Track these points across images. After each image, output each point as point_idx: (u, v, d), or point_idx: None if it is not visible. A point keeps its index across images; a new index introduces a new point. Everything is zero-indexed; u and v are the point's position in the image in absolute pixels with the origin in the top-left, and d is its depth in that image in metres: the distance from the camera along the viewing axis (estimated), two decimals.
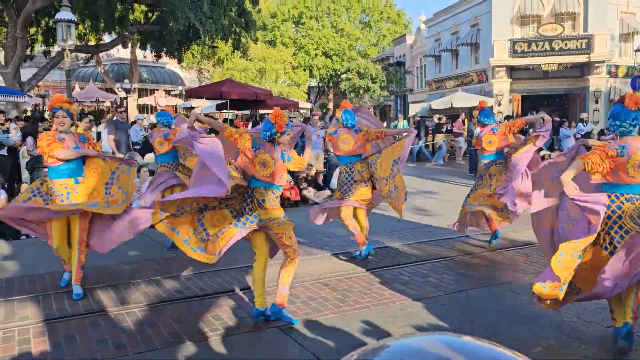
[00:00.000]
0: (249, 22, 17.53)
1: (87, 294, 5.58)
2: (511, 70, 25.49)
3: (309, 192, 11.57)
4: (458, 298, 5.43)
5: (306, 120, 14.21)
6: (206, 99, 22.01)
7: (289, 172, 7.16)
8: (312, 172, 12.02)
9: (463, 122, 20.13)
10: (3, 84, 16.15)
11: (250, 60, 33.11)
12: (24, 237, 8.33)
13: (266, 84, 34.26)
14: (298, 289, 5.68)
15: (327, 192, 11.88)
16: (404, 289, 5.67)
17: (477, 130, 7.39)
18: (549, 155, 13.31)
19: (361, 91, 38.34)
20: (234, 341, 4.45)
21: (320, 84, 45.34)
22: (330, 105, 43.59)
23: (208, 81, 37.23)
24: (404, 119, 26.24)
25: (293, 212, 10.57)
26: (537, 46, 24.18)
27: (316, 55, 41.13)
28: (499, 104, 24.95)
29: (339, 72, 42.03)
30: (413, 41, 38.05)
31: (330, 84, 44.47)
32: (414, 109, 27.73)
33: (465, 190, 7.88)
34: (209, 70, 39.04)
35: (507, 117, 17.54)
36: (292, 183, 11.51)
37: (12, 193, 9.11)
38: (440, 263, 6.71)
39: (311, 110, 33.88)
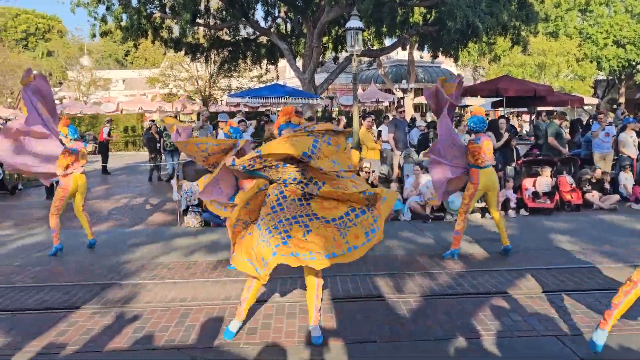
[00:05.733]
0: (530, 14, 16.59)
1: (366, 279, 6.05)
2: None
3: (593, 197, 10.49)
4: None
5: (594, 118, 12.88)
6: (481, 96, 21.62)
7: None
8: (598, 174, 10.85)
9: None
10: (301, 88, 18.42)
11: (529, 54, 31.36)
12: None
13: (546, 79, 32.06)
14: (572, 298, 5.24)
15: (615, 197, 10.60)
16: None
17: None
18: None
19: None
20: (508, 344, 4.33)
21: (610, 77, 40.43)
22: (622, 100, 38.61)
23: (483, 79, 36.51)
24: None
25: (575, 216, 9.73)
26: None
27: (606, 45, 36.79)
28: None
29: (633, 63, 36.91)
30: None
31: (623, 77, 39.34)
32: None
33: None
34: (484, 68, 38.24)
35: None
36: (574, 185, 10.58)
37: None
38: None
39: (597, 106, 30.61)
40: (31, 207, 11.60)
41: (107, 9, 17.17)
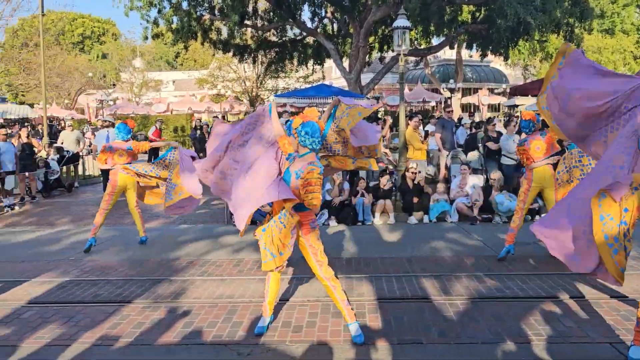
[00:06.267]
0: (585, 10, 16.06)
1: (412, 280, 6.00)
2: None
3: None
4: None
5: None
6: (532, 96, 21.08)
7: None
8: None
9: None
10: (347, 88, 18.41)
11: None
12: (359, 223, 9.38)
13: None
14: (628, 305, 5.03)
15: None
16: None
17: None
18: None
19: None
20: (560, 349, 4.21)
21: None
22: None
23: (534, 77, 35.63)
24: None
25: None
26: None
27: None
28: None
29: None
30: None
31: None
32: None
33: None
34: (535, 66, 37.31)
35: None
36: None
37: (352, 184, 10.32)
38: None
39: None
40: (86, 203, 12.03)
41: (159, 12, 17.62)
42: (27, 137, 13.04)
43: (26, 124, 27.19)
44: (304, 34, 20.51)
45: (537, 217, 9.24)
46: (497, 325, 4.71)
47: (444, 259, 6.91)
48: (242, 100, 36.61)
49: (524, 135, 7.09)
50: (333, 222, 9.32)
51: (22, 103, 38.14)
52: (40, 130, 21.98)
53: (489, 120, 12.09)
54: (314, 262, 4.46)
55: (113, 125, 12.60)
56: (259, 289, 5.75)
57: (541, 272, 6.18)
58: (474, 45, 19.41)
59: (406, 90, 28.17)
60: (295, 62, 22.66)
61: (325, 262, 4.46)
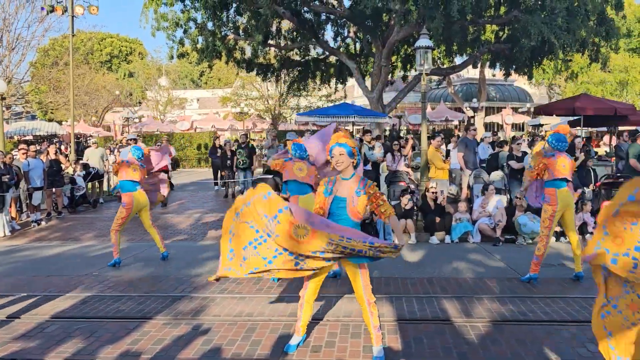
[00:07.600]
0: (611, 30, 15.93)
1: (433, 301, 5.94)
2: None
3: None
4: None
5: None
6: (556, 115, 20.89)
7: None
8: None
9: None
10: (369, 107, 18.46)
11: (609, 71, 30.08)
12: None
13: (628, 97, 30.59)
14: None
15: None
16: None
17: None
18: None
19: None
20: None
21: None
22: None
23: (559, 97, 35.28)
24: None
25: None
26: None
27: None
28: None
29: None
30: None
31: None
32: None
33: None
34: (560, 86, 36.96)
35: None
36: None
37: None
38: None
39: None
40: (110, 219, 12.09)
41: (185, 32, 17.98)
42: (55, 153, 13.32)
43: (54, 140, 27.80)
44: (327, 53, 20.69)
45: (562, 238, 9.09)
46: (520, 349, 4.63)
47: (466, 280, 6.83)
48: (264, 118, 36.92)
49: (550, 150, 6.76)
50: None
51: (51, 120, 39.01)
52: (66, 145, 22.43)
53: (514, 140, 11.98)
54: (362, 283, 4.36)
55: (136, 142, 12.80)
56: (279, 307, 5.75)
57: (566, 295, 6.07)
58: (497, 64, 19.35)
59: (429, 109, 28.14)
60: (317, 80, 22.82)
61: (370, 286, 4.42)
